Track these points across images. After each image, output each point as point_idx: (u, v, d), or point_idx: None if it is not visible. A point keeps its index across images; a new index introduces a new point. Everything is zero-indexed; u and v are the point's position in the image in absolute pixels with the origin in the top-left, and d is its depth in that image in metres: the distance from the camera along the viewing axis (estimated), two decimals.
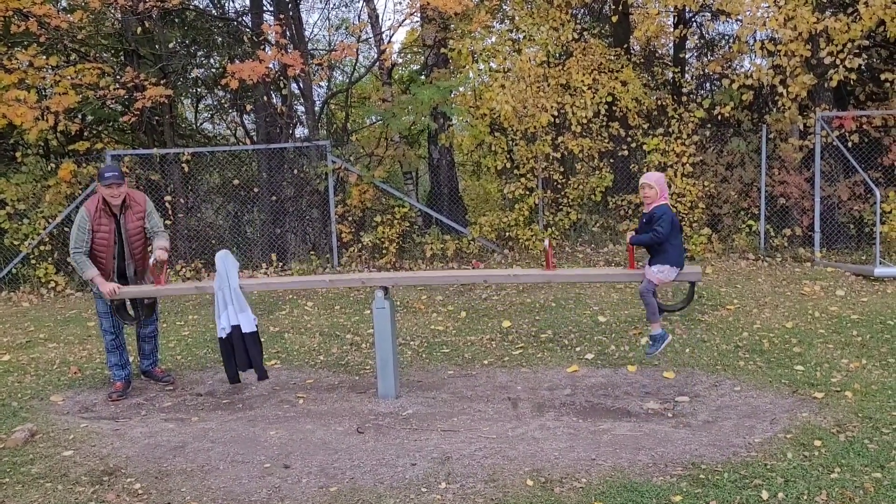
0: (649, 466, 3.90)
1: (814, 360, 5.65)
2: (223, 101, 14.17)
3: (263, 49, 10.96)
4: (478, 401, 5.30)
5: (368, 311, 8.33)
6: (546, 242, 5.37)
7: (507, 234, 11.17)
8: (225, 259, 5.53)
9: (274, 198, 11.54)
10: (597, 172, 11.03)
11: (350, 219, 11.45)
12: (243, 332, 5.48)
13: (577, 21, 10.76)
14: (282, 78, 11.17)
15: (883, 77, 10.64)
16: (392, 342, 5.35)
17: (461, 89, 10.50)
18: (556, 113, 10.42)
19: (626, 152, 11.03)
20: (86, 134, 12.72)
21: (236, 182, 11.36)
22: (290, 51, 9.23)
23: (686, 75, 11.13)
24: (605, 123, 10.84)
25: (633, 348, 6.34)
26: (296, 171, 11.60)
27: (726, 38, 11.03)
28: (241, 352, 5.51)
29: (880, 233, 10.53)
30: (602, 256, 10.78)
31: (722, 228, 11.03)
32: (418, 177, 13.64)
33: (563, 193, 11.09)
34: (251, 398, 5.74)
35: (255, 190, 11.55)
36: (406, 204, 11.29)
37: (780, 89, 10.22)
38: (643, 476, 3.79)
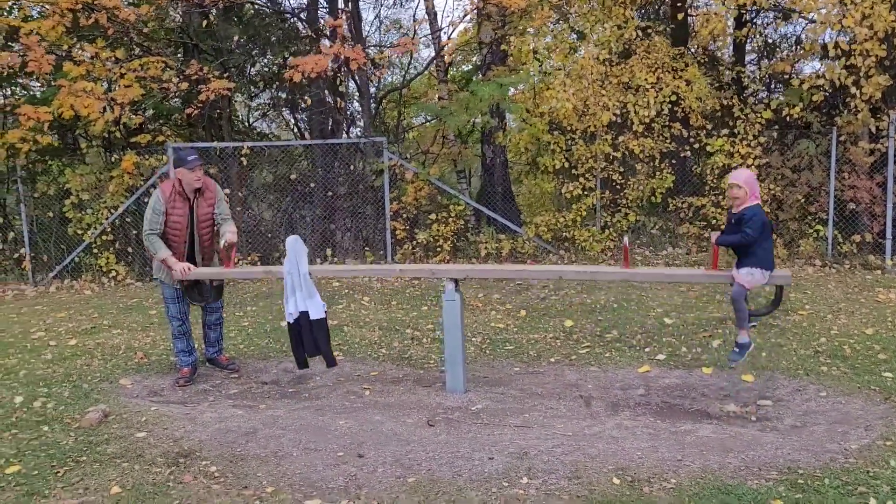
0: (741, 469, 3.74)
1: None
2: (276, 98, 14.23)
3: (321, 44, 10.98)
4: (548, 398, 5.18)
5: (426, 307, 8.27)
6: (625, 240, 5.18)
7: (564, 234, 11.00)
8: (295, 244, 5.49)
9: (330, 193, 11.54)
10: (657, 174, 10.80)
11: (404, 216, 11.40)
12: (311, 318, 5.42)
13: (640, 19, 10.52)
14: (341, 72, 11.18)
15: None
16: (461, 336, 5.25)
17: (520, 87, 10.35)
18: (617, 112, 10.23)
19: (688, 153, 10.79)
20: (146, 127, 12.91)
21: (293, 177, 11.38)
22: (352, 45, 9.20)
23: (751, 75, 10.82)
24: (667, 123, 10.61)
25: (706, 350, 6.15)
26: (351, 168, 11.59)
27: (788, 38, 10.74)
28: (308, 338, 5.44)
29: None
30: (661, 259, 10.56)
31: (787, 233, 10.72)
32: (471, 176, 13.52)
33: (622, 194, 10.89)
34: (316, 388, 5.69)
35: (312, 185, 11.57)
36: (461, 202, 11.19)
37: (854, 90, 9.90)
38: (736, 479, 3.63)
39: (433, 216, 11.16)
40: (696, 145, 10.75)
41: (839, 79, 9.84)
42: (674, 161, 10.84)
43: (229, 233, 5.71)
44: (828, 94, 10.10)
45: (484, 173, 12.76)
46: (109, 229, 11.02)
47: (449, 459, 4.05)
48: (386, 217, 11.12)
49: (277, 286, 9.52)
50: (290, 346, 5.56)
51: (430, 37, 12.26)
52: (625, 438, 4.29)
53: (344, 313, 8.12)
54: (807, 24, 10.14)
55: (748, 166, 10.55)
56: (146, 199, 11.13)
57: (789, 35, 10.72)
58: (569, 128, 10.70)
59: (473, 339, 6.92)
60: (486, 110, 10.05)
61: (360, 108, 13.08)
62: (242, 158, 11.05)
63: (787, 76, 10.18)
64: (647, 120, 10.43)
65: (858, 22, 9.21)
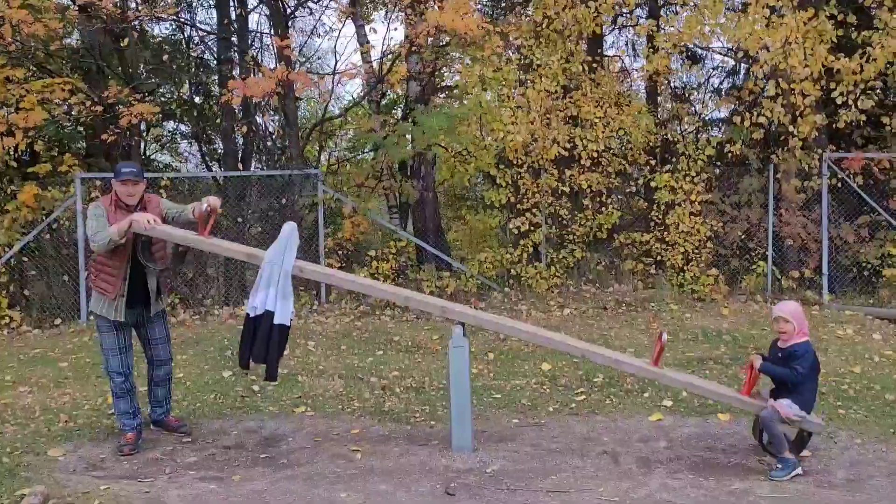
0: None
1: None
2: (196, 127, 13.26)
3: (251, 72, 10.24)
4: (568, 454, 4.62)
5: (381, 352, 7.60)
6: (664, 337, 4.63)
7: (510, 271, 10.58)
8: (291, 234, 4.73)
9: (259, 228, 10.68)
10: (604, 209, 10.59)
11: (340, 253, 10.69)
12: (274, 322, 4.64)
13: (587, 52, 10.38)
14: (285, 97, 10.39)
15: (884, 121, 10.59)
16: (468, 388, 4.64)
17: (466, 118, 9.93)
18: (568, 146, 9.97)
19: (633, 189, 10.66)
20: (43, 156, 11.63)
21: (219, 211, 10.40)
22: (295, 68, 8.52)
23: (694, 112, 10.87)
24: (614, 158, 10.45)
25: None
26: (284, 201, 10.78)
27: (735, 77, 10.87)
28: (261, 341, 4.63)
29: (884, 276, 10.40)
30: (611, 296, 10.28)
31: (728, 270, 10.70)
32: (402, 211, 12.97)
33: (569, 230, 10.60)
34: (293, 451, 4.91)
35: (239, 220, 10.68)
36: (402, 238, 10.60)
37: (791, 129, 10.05)
38: None
39: (372, 252, 10.49)
40: (640, 181, 10.63)
41: (778, 118, 9.98)
42: (620, 197, 10.68)
43: (212, 198, 4.89)
44: (766, 132, 10.23)
45: (413, 209, 12.22)
46: (3, 270, 9.71)
47: None
48: (320, 254, 10.36)
49: (205, 331, 8.59)
50: (240, 341, 4.75)
51: (361, 66, 11.69)
52: (680, 501, 3.79)
53: (291, 360, 7.30)
54: (749, 63, 10.26)
55: (691, 202, 10.51)
56: (47, 236, 9.95)
57: (735, 73, 10.81)
58: (515, 161, 10.36)
59: None
60: (436, 141, 9.56)
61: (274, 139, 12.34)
62: (161, 191, 10.05)
63: (729, 114, 10.24)
64: (594, 154, 10.22)
65: (802, 62, 9.35)
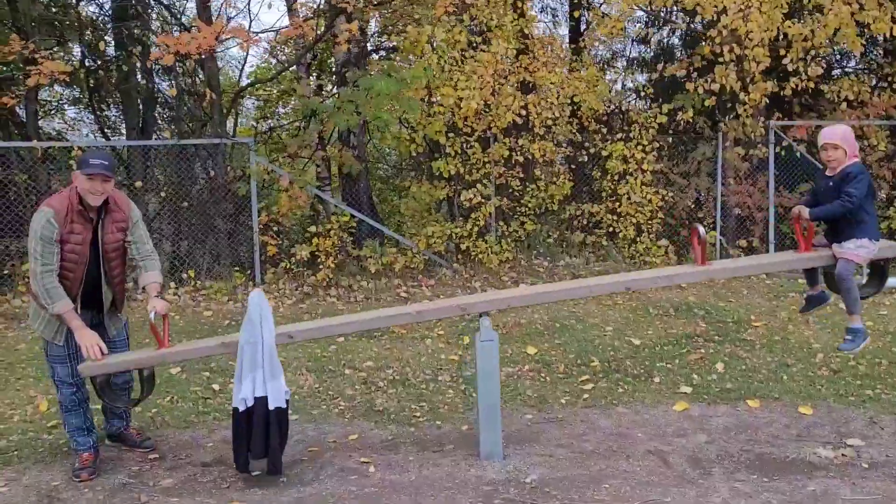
0: None
1: None
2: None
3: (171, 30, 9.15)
4: (610, 457, 4.15)
5: (342, 339, 6.91)
6: (702, 231, 4.19)
7: (460, 246, 10.03)
8: (260, 303, 4.00)
9: (185, 204, 9.66)
10: (556, 179, 10.17)
11: (275, 229, 9.83)
12: (269, 407, 3.95)
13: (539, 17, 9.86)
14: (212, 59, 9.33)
15: (823, 88, 10.62)
16: (498, 388, 4.08)
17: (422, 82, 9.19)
18: (522, 113, 9.45)
19: (585, 158, 10.29)
20: None
21: (139, 184, 9.32)
22: (227, 25, 7.56)
23: (648, 78, 10.56)
24: (567, 126, 10.03)
25: (721, 377, 5.45)
26: (212, 174, 9.80)
27: (689, 39, 10.59)
28: (259, 434, 3.92)
29: None
30: (564, 269, 9.93)
31: (678, 240, 10.55)
32: (333, 183, 12.14)
33: (521, 202, 10.13)
34: (290, 466, 4.22)
35: (163, 194, 9.62)
36: (346, 213, 9.84)
37: (742, 96, 9.91)
38: None
39: (313, 228, 9.69)
40: (592, 150, 10.27)
41: (729, 85, 9.80)
42: (573, 166, 10.29)
43: (158, 300, 4.12)
44: (718, 99, 10.06)
45: (344, 181, 11.42)
46: None
47: None
48: (255, 231, 9.48)
49: (134, 320, 7.63)
50: (233, 441, 4.02)
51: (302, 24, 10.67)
52: None
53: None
54: (705, 26, 10.00)
55: (643, 172, 10.25)
56: None
57: (690, 36, 10.51)
58: (465, 130, 9.76)
59: (439, 377, 5.73)
60: (385, 108, 8.81)
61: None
62: (71, 162, 8.87)
63: (682, 80, 9.99)
64: (549, 122, 9.76)
65: (761, 26, 9.15)
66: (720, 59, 9.79)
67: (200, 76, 10.90)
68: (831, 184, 4.06)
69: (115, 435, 4.55)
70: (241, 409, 3.91)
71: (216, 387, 5.65)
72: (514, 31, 9.56)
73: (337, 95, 9.13)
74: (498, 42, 9.07)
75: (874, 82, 11.13)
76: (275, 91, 13.53)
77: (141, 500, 3.87)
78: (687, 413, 4.79)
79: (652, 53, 11.31)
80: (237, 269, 9.54)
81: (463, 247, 10.03)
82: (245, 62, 12.17)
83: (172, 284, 9.23)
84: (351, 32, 8.04)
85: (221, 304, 8.64)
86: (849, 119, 10.54)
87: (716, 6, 9.22)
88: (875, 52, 11.51)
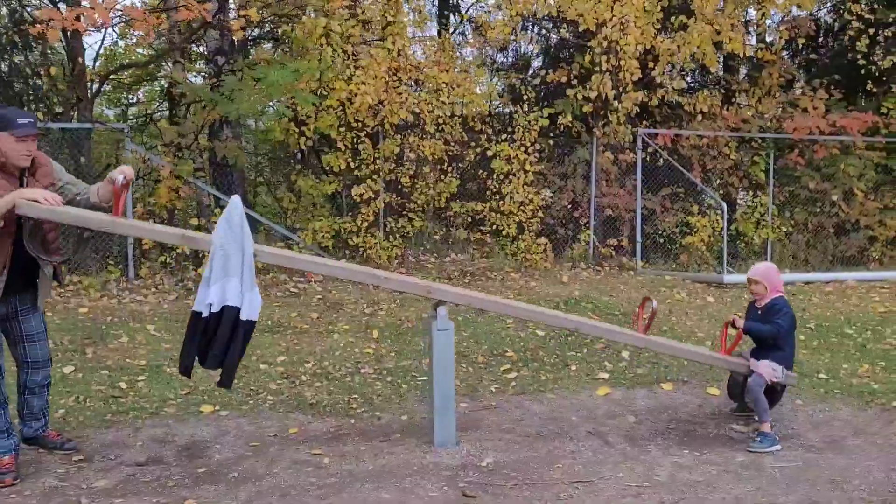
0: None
1: (823, 367, 5.66)
2: None
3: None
4: (555, 439, 4.37)
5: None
6: (654, 305, 4.46)
7: (349, 241, 10.00)
8: (241, 209, 3.85)
9: None
10: (444, 177, 10.38)
11: (154, 221, 9.37)
12: (241, 317, 3.79)
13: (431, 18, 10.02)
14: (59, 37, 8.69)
15: (683, 101, 11.54)
16: (453, 377, 4.18)
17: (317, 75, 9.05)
18: (415, 110, 9.58)
19: (471, 157, 10.57)
20: None
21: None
22: None
23: (532, 83, 10.98)
24: (456, 126, 10.26)
25: (630, 364, 5.85)
26: (83, 161, 9.17)
27: (569, 48, 11.11)
28: (220, 342, 3.76)
29: (684, 243, 11.41)
30: (456, 266, 10.15)
31: (555, 238, 11.06)
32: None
33: (410, 199, 10.25)
34: (237, 462, 4.09)
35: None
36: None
37: (616, 104, 10.58)
38: None
39: (195, 221, 9.32)
40: (479, 150, 10.56)
41: (605, 93, 10.45)
42: (460, 165, 10.53)
43: (124, 168, 3.80)
44: (593, 106, 10.66)
45: (214, 172, 11.02)
46: None
47: None
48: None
49: None
50: (184, 343, 3.86)
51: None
52: (716, 482, 3.71)
53: (138, 348, 6.21)
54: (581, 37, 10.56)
55: (525, 172, 10.67)
56: None
57: (570, 45, 11.01)
58: (355, 125, 9.74)
59: (361, 370, 5.74)
60: (279, 98, 8.63)
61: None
62: None
63: (563, 86, 10.51)
64: (439, 121, 9.95)
65: (637, 39, 9.81)
66: (596, 69, 10.42)
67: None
68: (759, 313, 4.52)
69: (32, 438, 4.21)
70: (205, 314, 3.73)
71: (123, 385, 5.34)
72: (405, 29, 9.66)
73: (218, 84, 8.82)
74: (394, 39, 9.13)
75: (724, 98, 12.17)
76: (136, 75, 12.82)
77: (81, 502, 3.62)
78: (610, 397, 5.11)
79: (540, 57, 11.75)
80: (110, 262, 8.99)
81: (351, 242, 10.01)
82: (102, 42, 11.37)
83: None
84: (248, 18, 7.81)
85: (95, 301, 8.11)
86: (703, 129, 11.53)
87: (596, 19, 9.79)
88: (727, 70, 12.58)
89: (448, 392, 4.15)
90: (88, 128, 9.12)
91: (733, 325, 4.48)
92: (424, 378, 5.54)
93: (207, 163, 10.82)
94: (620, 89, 10.57)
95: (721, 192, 11.54)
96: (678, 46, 10.31)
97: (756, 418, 4.37)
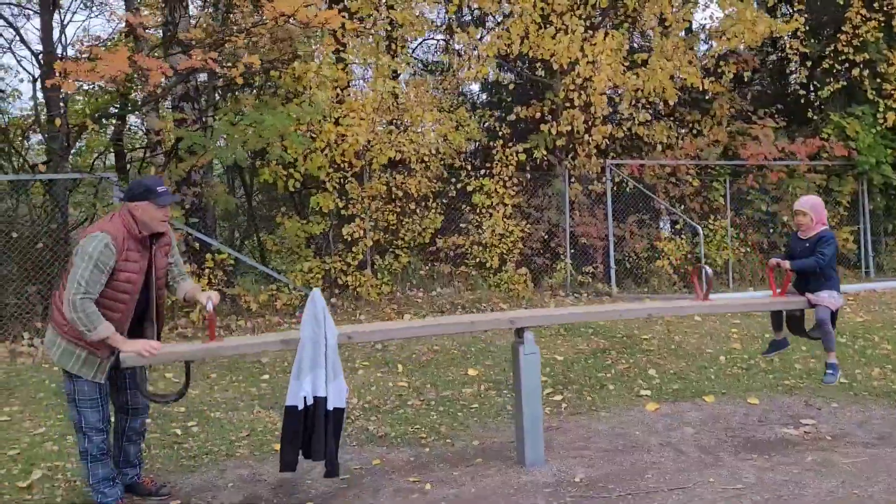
0: None
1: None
2: None
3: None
4: (632, 452, 4.62)
5: (265, 375, 6.77)
6: (708, 271, 4.84)
7: (338, 280, 10.10)
8: (321, 300, 4.03)
9: (40, 245, 8.77)
10: (428, 214, 10.63)
11: None
12: (328, 407, 3.98)
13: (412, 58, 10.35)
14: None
15: (641, 133, 12.16)
16: (540, 397, 4.41)
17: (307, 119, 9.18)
18: (402, 150, 9.83)
19: (454, 193, 10.87)
20: None
21: None
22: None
23: (507, 119, 11.38)
24: (439, 163, 10.56)
25: (662, 380, 6.18)
26: (70, 210, 9.01)
27: (540, 86, 11.57)
28: (318, 434, 3.93)
29: (654, 266, 11.95)
30: (441, 300, 10.35)
31: (535, 268, 11.43)
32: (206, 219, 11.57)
33: (397, 236, 10.44)
34: (336, 494, 4.19)
35: (14, 235, 8.66)
36: (223, 251, 9.51)
37: (587, 137, 11.11)
38: None
39: (188, 268, 9.24)
40: (459, 185, 10.87)
41: (576, 127, 10.97)
42: (444, 201, 10.81)
43: (210, 293, 3.99)
44: (568, 139, 11.16)
45: (190, 216, 10.97)
46: None
47: None
48: None
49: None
50: (282, 439, 4.00)
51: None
52: (801, 476, 4.05)
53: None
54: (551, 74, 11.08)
55: (505, 205, 11.04)
56: None
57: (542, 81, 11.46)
58: (342, 165, 9.92)
59: (408, 403, 5.88)
60: (274, 141, 8.73)
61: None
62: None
63: (535, 122, 10.97)
64: (425, 159, 10.22)
65: (608, 76, 10.37)
66: (566, 105, 10.93)
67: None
68: (807, 245, 4.87)
69: (128, 485, 4.20)
70: (300, 406, 3.87)
71: (178, 431, 5.34)
72: (388, 71, 9.95)
73: (203, 128, 8.88)
74: (382, 81, 9.39)
75: (683, 129, 12.89)
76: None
77: None
78: (660, 412, 5.41)
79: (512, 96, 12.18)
80: None
81: (341, 281, 10.11)
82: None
83: (26, 335, 8.33)
84: (250, 65, 7.93)
85: None
86: (664, 159, 12.18)
87: (569, 57, 10.31)
88: (680, 103, 13.31)
89: (537, 413, 4.37)
90: (75, 178, 8.99)
91: (778, 266, 4.84)
92: (475, 406, 5.73)
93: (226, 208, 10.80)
94: (590, 123, 11.10)
95: (682, 218, 12.13)
96: (643, 82, 10.92)
97: (825, 348, 4.87)
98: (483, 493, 4.07)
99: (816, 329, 4.88)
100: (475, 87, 12.51)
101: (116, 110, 11.13)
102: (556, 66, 10.36)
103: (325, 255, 10.24)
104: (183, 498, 4.23)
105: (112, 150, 12.65)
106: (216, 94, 11.52)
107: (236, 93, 10.67)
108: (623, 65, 10.64)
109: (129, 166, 11.32)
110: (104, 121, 10.52)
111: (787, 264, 4.84)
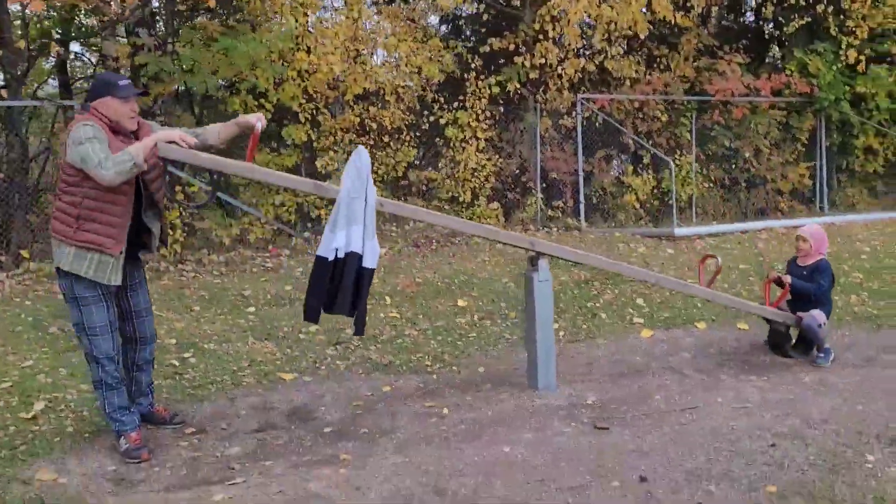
0: None
1: None
2: None
3: None
4: (637, 377, 4.76)
5: (253, 308, 6.68)
6: (719, 261, 4.98)
7: (311, 214, 9.97)
8: (367, 161, 3.94)
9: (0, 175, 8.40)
10: (401, 147, 10.50)
11: None
12: (364, 265, 3.92)
13: None
14: None
15: (611, 67, 12.14)
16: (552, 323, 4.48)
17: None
18: (376, 81, 9.63)
19: (426, 126, 10.74)
20: None
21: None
22: None
23: (479, 51, 11.18)
24: (412, 94, 10.39)
25: (651, 309, 6.33)
26: (30, 137, 8.62)
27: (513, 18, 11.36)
28: (347, 289, 3.88)
29: (621, 201, 12.10)
30: (419, 234, 10.31)
31: (506, 203, 11.45)
32: None
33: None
34: (353, 419, 4.21)
35: None
36: (194, 183, 9.24)
37: (560, 70, 11.05)
38: None
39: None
40: (432, 118, 10.73)
41: (550, 60, 10.88)
42: (417, 134, 10.67)
43: (259, 115, 3.89)
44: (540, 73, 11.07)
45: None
46: None
47: (730, 456, 3.46)
48: None
49: None
50: (308, 288, 3.96)
51: None
52: (802, 395, 4.23)
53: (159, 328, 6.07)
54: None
55: (477, 139, 10.96)
56: None
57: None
58: (315, 96, 9.68)
59: (405, 333, 5.90)
60: (248, 70, 8.45)
61: None
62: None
63: (509, 54, 10.84)
64: (399, 91, 10.04)
65: (584, 7, 10.26)
66: (540, 38, 10.82)
67: None
68: (804, 273, 5.02)
69: (142, 415, 4.14)
70: (330, 258, 3.84)
71: (175, 362, 5.26)
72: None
73: (169, 55, 8.53)
74: (357, 8, 9.12)
75: (647, 63, 12.89)
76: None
77: (234, 467, 3.66)
78: (655, 338, 5.56)
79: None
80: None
81: (314, 214, 9.99)
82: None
83: None
84: None
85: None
86: (633, 94, 12.21)
87: None
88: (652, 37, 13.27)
89: (549, 338, 4.43)
90: (35, 104, 8.57)
91: (778, 282, 4.98)
92: (473, 335, 5.79)
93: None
94: (563, 57, 11.03)
95: (653, 152, 12.24)
96: (617, 14, 10.84)
97: (817, 347, 5.01)
98: (500, 417, 4.14)
99: (799, 345, 5.03)
100: (434, 19, 12.20)
101: (59, 35, 10.60)
102: None
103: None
104: (197, 426, 4.20)
105: (55, 77, 12.11)
106: (174, 21, 11.03)
107: (197, 19, 10.24)
108: None
109: (74, 97, 10.78)
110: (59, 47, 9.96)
111: (788, 279, 4.95)
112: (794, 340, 5.16)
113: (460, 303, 6.75)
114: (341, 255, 3.84)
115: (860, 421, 3.86)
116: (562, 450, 3.66)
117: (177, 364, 5.23)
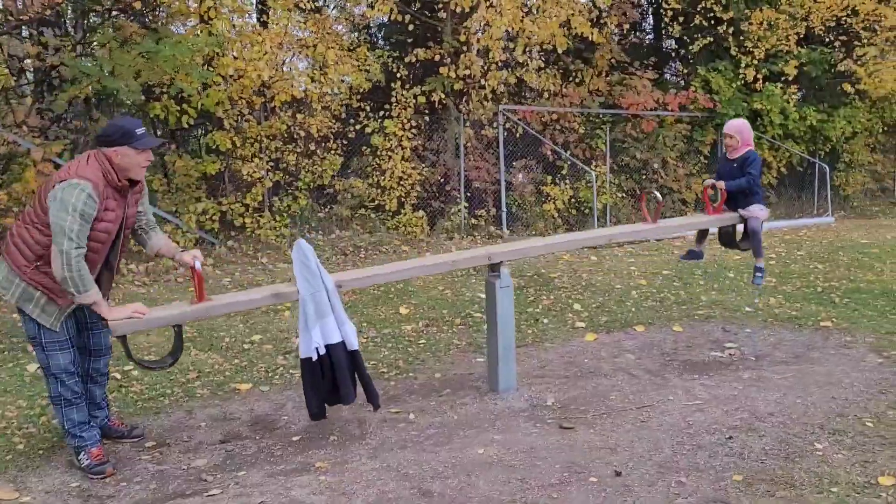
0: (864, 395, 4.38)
1: (731, 303, 6.72)
2: None
3: None
4: (590, 377, 4.91)
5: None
6: (659, 196, 5.19)
7: (234, 223, 9.78)
8: (307, 250, 3.96)
9: None
10: (327, 155, 10.45)
11: (17, 209, 8.54)
12: (349, 350, 3.97)
13: None
14: None
15: (530, 80, 12.51)
16: (513, 327, 4.59)
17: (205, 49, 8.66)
18: (306, 87, 9.57)
19: (353, 134, 10.74)
20: None
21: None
22: None
23: (405, 61, 11.24)
24: (339, 104, 10.37)
25: (591, 314, 6.55)
26: None
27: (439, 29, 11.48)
28: (343, 377, 3.92)
29: (544, 211, 12.43)
30: (346, 243, 10.29)
31: (431, 211, 11.57)
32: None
33: (298, 177, 10.21)
34: (320, 427, 4.19)
35: None
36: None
37: (483, 82, 11.29)
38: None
39: None
40: (358, 126, 10.74)
41: (474, 71, 11.11)
42: (345, 142, 10.64)
43: (195, 252, 3.91)
44: (465, 84, 11.27)
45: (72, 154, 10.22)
46: None
47: (693, 449, 3.66)
48: None
49: None
50: (305, 391, 3.97)
51: None
52: (746, 391, 4.49)
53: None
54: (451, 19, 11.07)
55: (403, 148, 11.04)
56: None
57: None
58: (240, 103, 9.52)
59: (362, 336, 5.88)
60: (173, 74, 8.22)
61: None
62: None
63: (434, 65, 10.97)
64: (326, 99, 10.00)
65: (508, 21, 10.52)
66: (464, 49, 11.01)
67: None
68: (735, 165, 5.29)
69: (102, 428, 3.98)
70: (314, 357, 3.85)
71: (117, 375, 5.08)
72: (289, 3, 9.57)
73: (83, 57, 8.20)
74: (288, 14, 9.04)
75: (562, 77, 13.32)
76: None
77: (207, 479, 3.58)
78: (600, 341, 5.76)
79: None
80: None
81: (237, 223, 9.81)
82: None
83: None
84: None
85: None
86: (551, 106, 12.58)
87: (472, 1, 10.35)
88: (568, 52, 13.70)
89: (510, 342, 4.54)
90: None
91: (713, 187, 5.28)
92: (422, 341, 5.84)
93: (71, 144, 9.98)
94: (486, 68, 11.26)
95: (572, 161, 12.62)
96: (538, 27, 11.16)
97: (755, 254, 5.40)
98: (467, 420, 4.22)
99: (746, 240, 5.38)
100: (342, 27, 12.22)
101: None
102: (458, 10, 10.36)
103: (221, 196, 9.84)
104: (157, 439, 4.08)
105: None
106: (86, 20, 10.60)
107: (113, 19, 9.88)
108: (521, 10, 10.81)
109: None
110: None
111: (722, 184, 5.24)
112: (740, 236, 5.48)
113: (402, 310, 6.79)
114: (322, 351, 3.86)
115: (803, 413, 4.15)
116: (534, 449, 3.77)
117: (118, 377, 5.06)
